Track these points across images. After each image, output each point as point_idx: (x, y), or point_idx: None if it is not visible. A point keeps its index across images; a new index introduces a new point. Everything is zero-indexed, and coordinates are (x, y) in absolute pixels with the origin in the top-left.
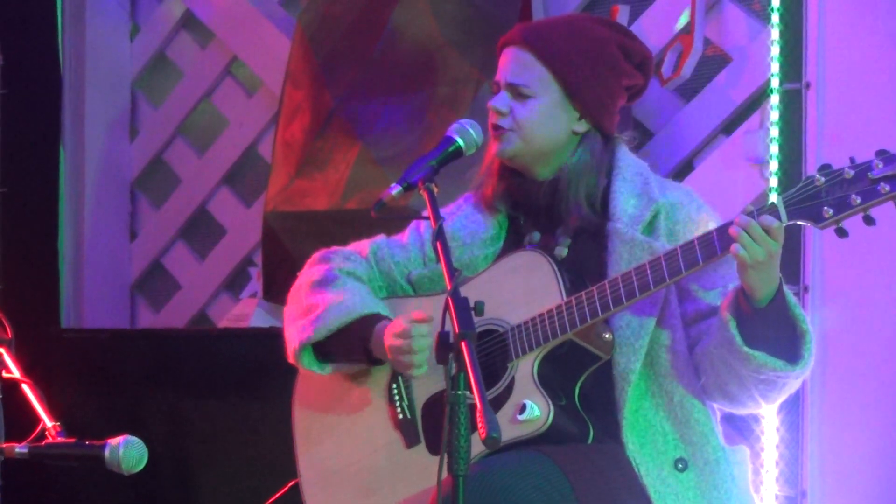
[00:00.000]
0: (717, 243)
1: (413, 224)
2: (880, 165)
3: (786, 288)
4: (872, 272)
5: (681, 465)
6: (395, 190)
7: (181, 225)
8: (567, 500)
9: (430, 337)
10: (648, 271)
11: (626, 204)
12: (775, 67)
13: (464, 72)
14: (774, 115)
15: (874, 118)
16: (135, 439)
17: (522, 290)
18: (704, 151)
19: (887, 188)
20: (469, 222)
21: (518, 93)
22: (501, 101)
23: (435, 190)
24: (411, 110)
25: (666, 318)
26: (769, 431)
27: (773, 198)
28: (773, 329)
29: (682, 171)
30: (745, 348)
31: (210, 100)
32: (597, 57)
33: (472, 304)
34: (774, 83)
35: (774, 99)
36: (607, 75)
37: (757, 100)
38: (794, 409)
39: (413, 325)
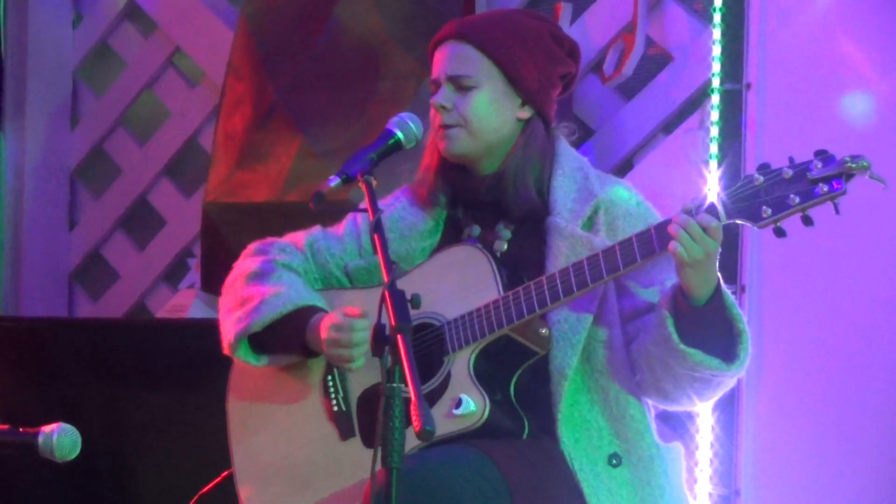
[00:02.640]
0: (655, 241)
1: (350, 216)
2: (819, 166)
3: (724, 287)
4: (809, 273)
5: (615, 460)
6: (334, 182)
7: (121, 215)
8: (501, 495)
9: (368, 330)
10: (586, 268)
11: (566, 198)
12: (716, 67)
13: (406, 67)
14: (715, 115)
15: (814, 119)
16: (68, 427)
17: (460, 284)
18: (644, 150)
19: (826, 189)
20: (407, 214)
21: (460, 85)
22: (444, 96)
23: (374, 183)
24: (353, 104)
25: (604, 314)
26: (704, 430)
27: (712, 197)
28: (710, 328)
29: (622, 169)
30: (682, 346)
31: (152, 90)
32: (533, 44)
33: (408, 297)
34: (715, 83)
35: (715, 99)
36: (545, 61)
37: (698, 99)
38: (728, 408)
39: (351, 319)
